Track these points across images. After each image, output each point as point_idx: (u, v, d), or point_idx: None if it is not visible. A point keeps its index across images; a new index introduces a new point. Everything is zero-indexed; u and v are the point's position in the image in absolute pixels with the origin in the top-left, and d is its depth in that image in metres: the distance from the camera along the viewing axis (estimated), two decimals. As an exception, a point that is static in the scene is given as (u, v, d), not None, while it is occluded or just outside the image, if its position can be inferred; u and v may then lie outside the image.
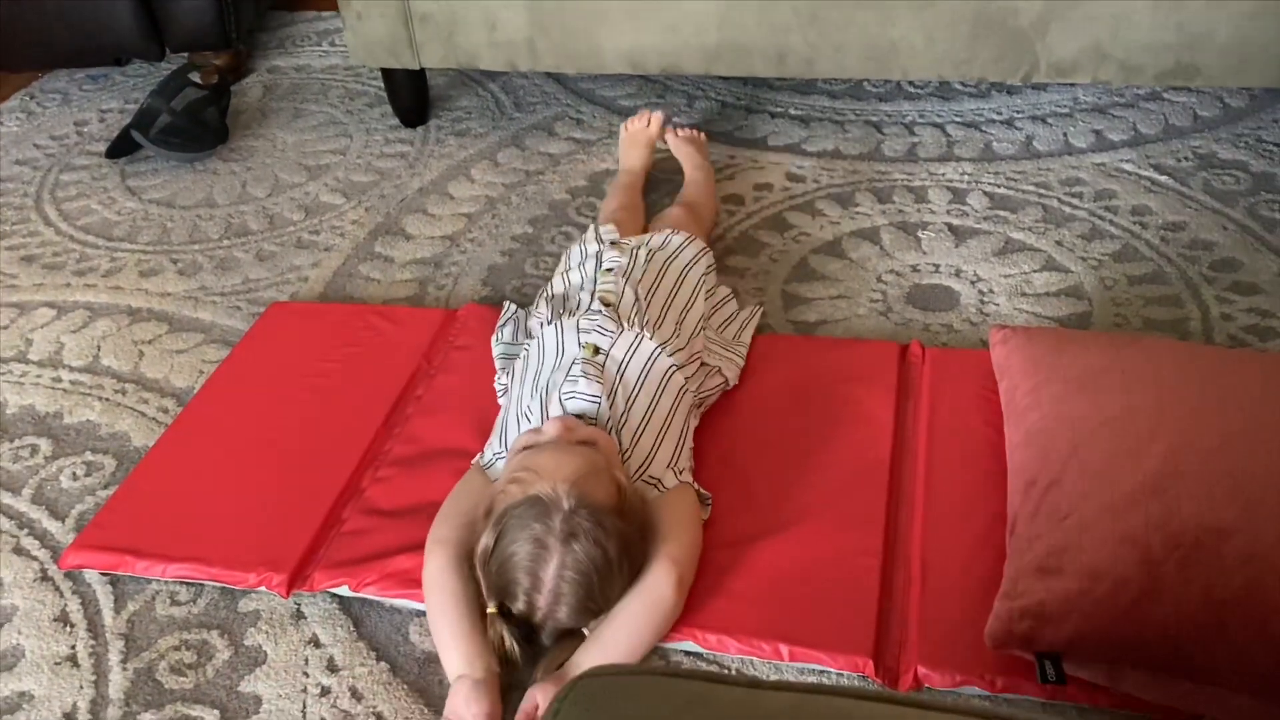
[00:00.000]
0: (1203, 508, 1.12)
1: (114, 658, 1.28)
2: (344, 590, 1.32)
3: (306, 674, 1.25)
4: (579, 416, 1.34)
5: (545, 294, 1.63)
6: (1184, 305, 1.72)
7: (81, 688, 1.25)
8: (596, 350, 1.42)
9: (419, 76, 2.33)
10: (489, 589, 1.20)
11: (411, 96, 2.35)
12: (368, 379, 1.62)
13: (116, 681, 1.26)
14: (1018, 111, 2.27)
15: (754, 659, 1.22)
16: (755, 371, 1.59)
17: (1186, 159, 2.08)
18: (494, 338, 1.64)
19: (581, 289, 1.57)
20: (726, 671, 1.22)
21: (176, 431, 1.56)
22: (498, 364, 1.59)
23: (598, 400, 1.36)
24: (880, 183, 2.08)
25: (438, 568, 1.25)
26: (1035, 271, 1.81)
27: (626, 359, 1.42)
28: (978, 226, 1.94)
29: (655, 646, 1.23)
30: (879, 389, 1.53)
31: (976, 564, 1.28)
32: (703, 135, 2.12)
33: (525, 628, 1.21)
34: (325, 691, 1.23)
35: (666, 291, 1.58)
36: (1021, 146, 2.16)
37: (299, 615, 1.32)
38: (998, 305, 1.75)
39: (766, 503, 1.38)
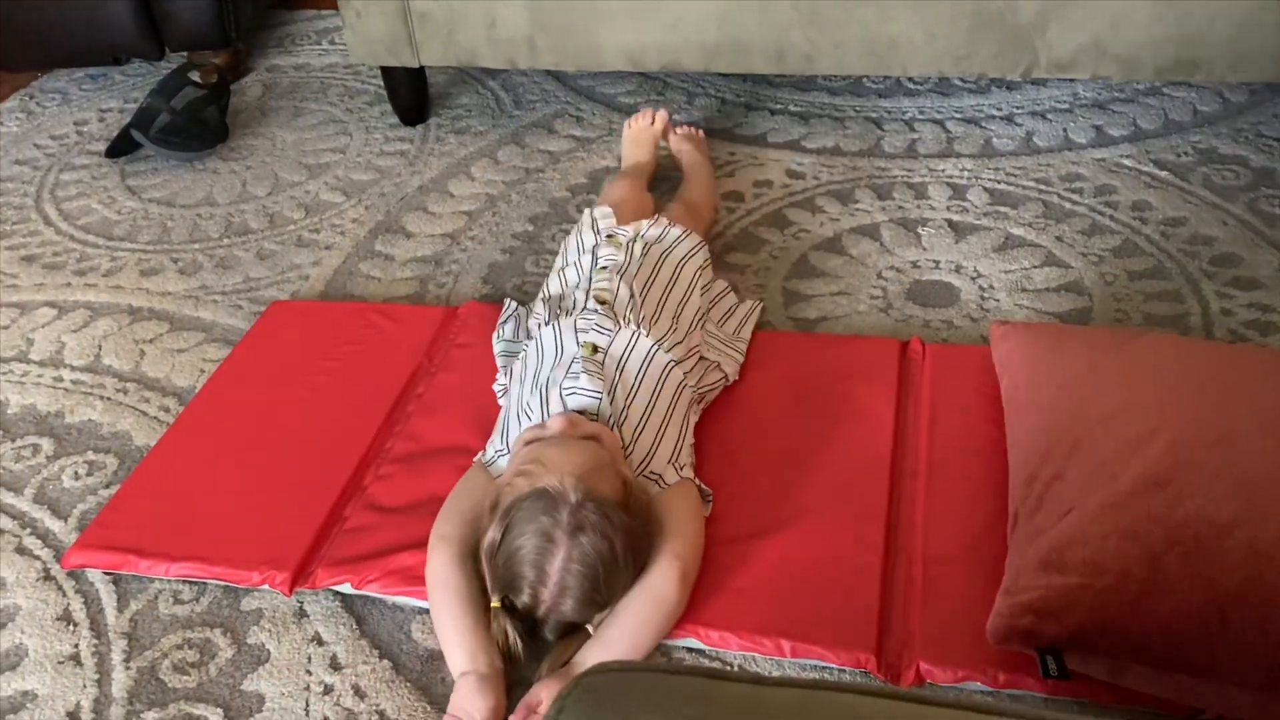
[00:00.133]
0: (1204, 502, 1.13)
1: (117, 657, 1.29)
2: (346, 588, 1.32)
3: (309, 672, 1.25)
4: (580, 412, 1.35)
5: (542, 294, 1.63)
6: (1184, 300, 1.72)
7: (85, 687, 1.25)
8: (595, 349, 1.42)
9: (418, 74, 2.33)
10: (494, 582, 1.21)
11: (411, 94, 2.35)
12: (369, 377, 1.62)
13: (120, 680, 1.26)
14: (1017, 107, 2.27)
15: (756, 655, 1.22)
16: (756, 368, 1.59)
17: (1186, 154, 2.08)
18: (495, 335, 1.64)
19: (577, 287, 1.57)
20: (729, 668, 1.22)
21: (178, 430, 1.56)
22: (499, 361, 1.59)
23: (599, 396, 1.36)
24: (880, 179, 2.08)
25: (441, 564, 1.25)
26: (1035, 267, 1.81)
27: (624, 356, 1.42)
28: (978, 222, 1.94)
29: (658, 643, 1.23)
30: (880, 385, 1.53)
31: (978, 559, 1.28)
32: (701, 132, 2.12)
33: (529, 622, 1.21)
34: (328, 689, 1.23)
35: (663, 286, 1.58)
36: (1021, 142, 2.16)
37: (301, 613, 1.32)
38: (998, 301, 1.75)
39: (768, 499, 1.38)
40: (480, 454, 1.41)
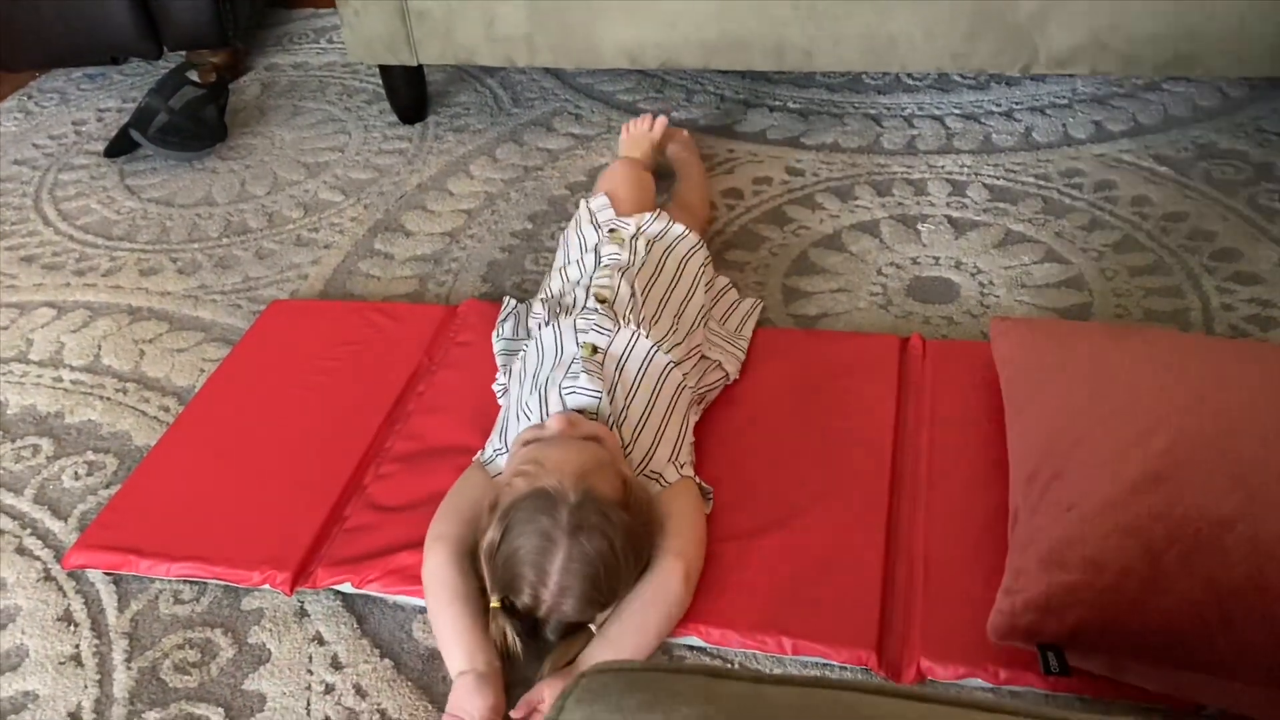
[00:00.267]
0: (1205, 498, 1.12)
1: (118, 657, 1.29)
2: (347, 587, 1.32)
3: (310, 671, 1.25)
4: (580, 411, 1.34)
5: (542, 293, 1.63)
6: (1185, 296, 1.72)
7: (86, 687, 1.25)
8: (594, 350, 1.42)
9: (417, 73, 2.32)
10: (493, 583, 1.21)
11: (410, 93, 2.35)
12: (369, 376, 1.62)
13: (121, 681, 1.26)
14: (1017, 103, 2.27)
15: (757, 653, 1.22)
16: (756, 366, 1.59)
17: (1186, 149, 2.08)
18: (495, 333, 1.64)
19: (578, 285, 1.57)
20: (730, 666, 1.22)
21: (178, 430, 1.56)
22: (498, 360, 1.59)
23: (598, 395, 1.36)
24: (879, 175, 2.07)
25: (438, 563, 1.25)
26: (1035, 263, 1.81)
27: (624, 356, 1.42)
28: (977, 219, 1.94)
29: (661, 642, 1.23)
30: (880, 382, 1.53)
31: (979, 556, 1.28)
32: (685, 133, 2.12)
33: (529, 622, 1.21)
34: (329, 689, 1.23)
35: (665, 284, 1.58)
36: (1021, 138, 2.15)
37: (302, 613, 1.32)
38: (998, 297, 1.75)
39: (768, 497, 1.38)
40: (479, 453, 1.41)
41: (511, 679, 1.20)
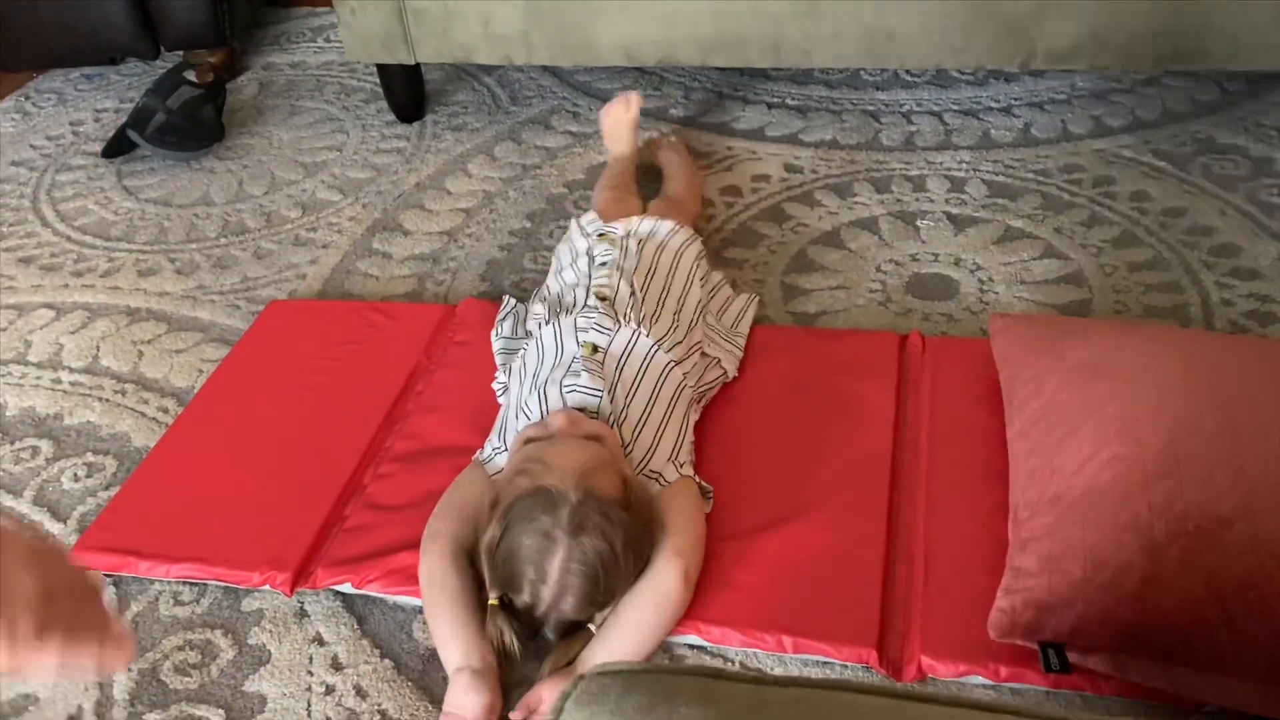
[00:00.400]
0: (1205, 494, 1.12)
1: (118, 658, 1.28)
2: (347, 588, 1.32)
3: (311, 672, 1.25)
4: (580, 410, 1.34)
5: (541, 294, 1.63)
6: (1184, 291, 1.72)
7: (86, 689, 1.25)
8: (595, 349, 1.42)
9: (414, 71, 2.32)
10: (493, 581, 1.20)
11: (407, 92, 2.35)
12: (368, 375, 1.62)
13: (121, 682, 1.26)
14: (1015, 99, 2.26)
15: (758, 651, 1.22)
16: (755, 363, 1.59)
17: (1185, 144, 2.08)
18: (494, 332, 1.64)
19: (577, 285, 1.56)
20: (730, 665, 1.22)
21: (177, 431, 1.56)
22: (498, 359, 1.59)
23: (599, 394, 1.36)
24: (878, 172, 2.07)
25: (435, 561, 1.25)
26: (1035, 259, 1.81)
27: (624, 355, 1.42)
28: (976, 215, 1.93)
29: (661, 641, 1.23)
30: (879, 379, 1.53)
31: (979, 553, 1.27)
32: (673, 138, 2.12)
33: (528, 621, 1.21)
34: (330, 689, 1.23)
35: (662, 280, 1.58)
36: (1020, 134, 2.15)
37: (302, 613, 1.32)
38: (997, 293, 1.74)
39: (768, 495, 1.38)
40: (479, 452, 1.41)
41: (511, 679, 1.20)
